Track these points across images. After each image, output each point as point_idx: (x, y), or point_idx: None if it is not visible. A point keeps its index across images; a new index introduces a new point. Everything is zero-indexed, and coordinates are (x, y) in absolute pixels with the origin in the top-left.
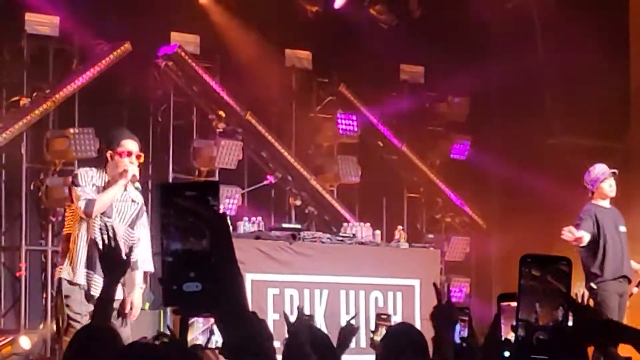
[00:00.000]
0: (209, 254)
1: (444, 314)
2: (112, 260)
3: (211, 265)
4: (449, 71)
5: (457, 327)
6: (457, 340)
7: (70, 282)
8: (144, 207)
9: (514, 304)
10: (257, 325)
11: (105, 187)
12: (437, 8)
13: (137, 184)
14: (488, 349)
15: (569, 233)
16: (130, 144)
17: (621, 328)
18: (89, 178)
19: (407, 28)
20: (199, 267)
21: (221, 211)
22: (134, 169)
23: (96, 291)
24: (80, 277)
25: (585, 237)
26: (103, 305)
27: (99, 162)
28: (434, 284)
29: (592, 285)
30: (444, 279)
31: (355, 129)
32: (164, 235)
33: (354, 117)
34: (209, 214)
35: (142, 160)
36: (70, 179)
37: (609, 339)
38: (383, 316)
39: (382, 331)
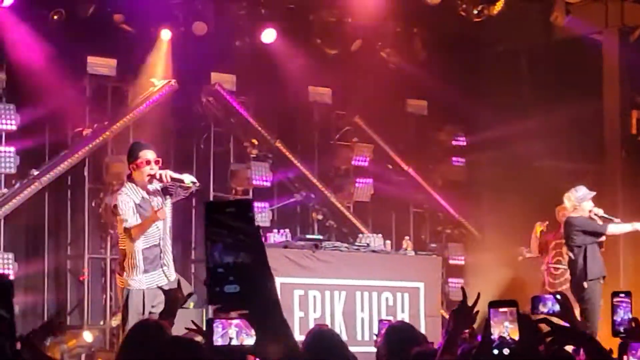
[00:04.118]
0: (247, 261)
1: (464, 314)
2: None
3: (248, 270)
4: (448, 105)
5: None
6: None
7: (130, 290)
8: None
9: (502, 309)
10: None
11: (143, 198)
12: (438, 50)
13: (191, 178)
14: (483, 347)
15: None
16: (148, 154)
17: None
18: (126, 203)
19: (412, 68)
20: (238, 272)
21: (256, 224)
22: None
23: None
24: (139, 283)
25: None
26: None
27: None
28: (462, 288)
29: (584, 284)
30: (443, 281)
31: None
32: (209, 246)
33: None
34: (247, 227)
35: (160, 164)
36: (112, 205)
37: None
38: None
39: None
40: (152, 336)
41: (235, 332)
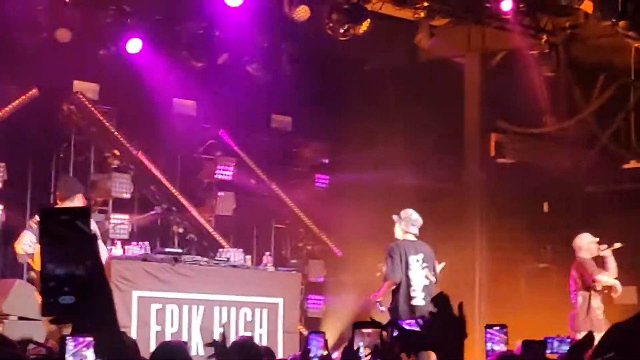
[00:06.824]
0: (81, 272)
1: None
2: None
3: (83, 281)
4: (313, 121)
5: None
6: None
7: None
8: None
9: (365, 330)
10: (126, 337)
11: None
12: (305, 67)
13: None
14: None
15: None
16: None
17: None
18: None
19: (278, 83)
20: (73, 283)
21: (91, 233)
22: None
23: None
24: None
25: None
26: None
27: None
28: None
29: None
30: (302, 297)
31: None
32: (42, 254)
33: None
34: (81, 237)
35: None
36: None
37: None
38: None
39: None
40: None
41: (90, 350)
